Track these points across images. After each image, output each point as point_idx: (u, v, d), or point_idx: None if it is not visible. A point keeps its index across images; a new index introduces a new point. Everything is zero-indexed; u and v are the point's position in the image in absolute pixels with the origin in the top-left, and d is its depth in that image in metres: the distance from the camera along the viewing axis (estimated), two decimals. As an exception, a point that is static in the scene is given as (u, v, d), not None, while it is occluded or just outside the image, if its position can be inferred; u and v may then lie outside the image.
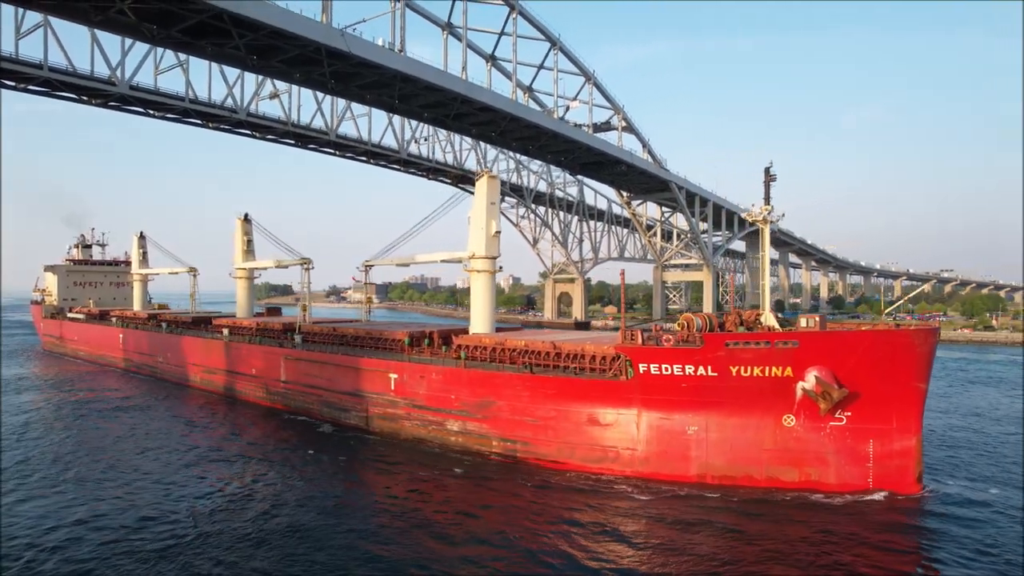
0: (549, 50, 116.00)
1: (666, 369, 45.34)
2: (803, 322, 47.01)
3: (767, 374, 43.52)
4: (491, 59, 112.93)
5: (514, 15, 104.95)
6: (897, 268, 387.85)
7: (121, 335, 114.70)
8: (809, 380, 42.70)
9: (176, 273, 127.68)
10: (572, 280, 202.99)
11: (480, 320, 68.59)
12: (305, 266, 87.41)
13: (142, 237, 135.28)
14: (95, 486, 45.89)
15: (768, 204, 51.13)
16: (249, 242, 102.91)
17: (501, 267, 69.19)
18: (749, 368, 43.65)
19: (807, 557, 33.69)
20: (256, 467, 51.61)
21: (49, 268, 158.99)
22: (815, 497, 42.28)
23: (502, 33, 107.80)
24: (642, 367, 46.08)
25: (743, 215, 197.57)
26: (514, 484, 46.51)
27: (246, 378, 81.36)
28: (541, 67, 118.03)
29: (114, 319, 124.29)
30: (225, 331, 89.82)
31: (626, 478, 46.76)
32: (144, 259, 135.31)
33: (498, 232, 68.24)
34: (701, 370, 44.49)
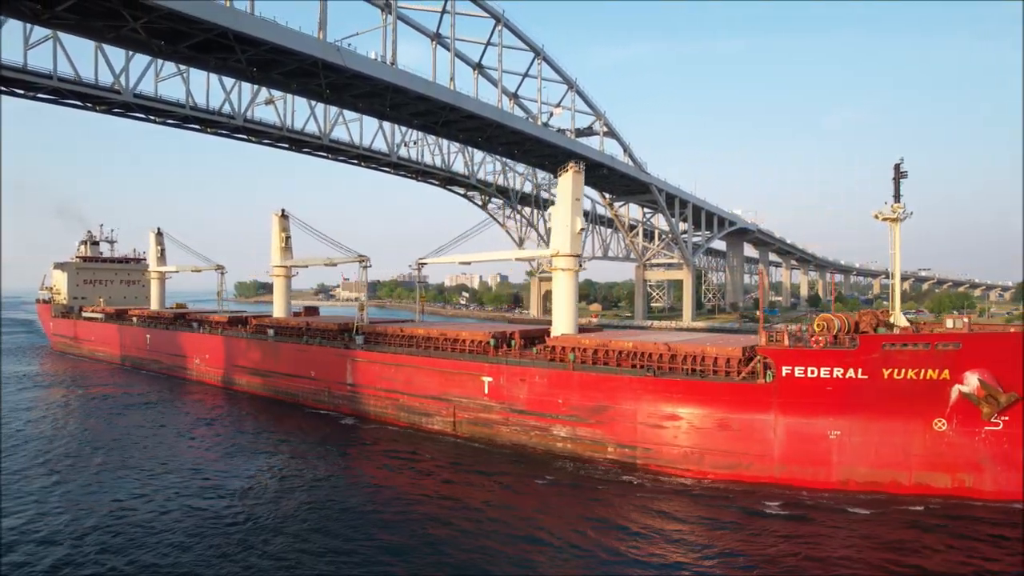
0: (533, 59, 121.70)
1: (812, 372, 44.03)
2: (949, 323, 45.60)
3: (921, 377, 42.26)
4: (478, 67, 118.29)
5: (499, 27, 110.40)
6: (877, 267, 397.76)
7: (148, 335, 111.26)
8: (970, 383, 41.31)
9: (199, 271, 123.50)
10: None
11: (563, 321, 66.05)
12: (363, 263, 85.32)
13: (159, 234, 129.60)
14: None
15: (898, 202, 49.30)
16: (287, 239, 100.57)
17: (583, 265, 67.48)
18: (903, 371, 42.42)
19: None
20: (361, 472, 50.80)
21: (59, 266, 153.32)
22: (974, 504, 41.08)
23: (488, 43, 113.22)
24: (785, 369, 44.73)
25: (725, 215, 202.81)
26: (640, 492, 45.46)
27: (304, 381, 78.37)
28: (526, 75, 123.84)
29: (134, 319, 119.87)
30: (270, 332, 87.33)
31: (761, 484, 45.23)
32: (162, 256, 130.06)
33: (583, 229, 66.01)
34: (851, 372, 43.26)
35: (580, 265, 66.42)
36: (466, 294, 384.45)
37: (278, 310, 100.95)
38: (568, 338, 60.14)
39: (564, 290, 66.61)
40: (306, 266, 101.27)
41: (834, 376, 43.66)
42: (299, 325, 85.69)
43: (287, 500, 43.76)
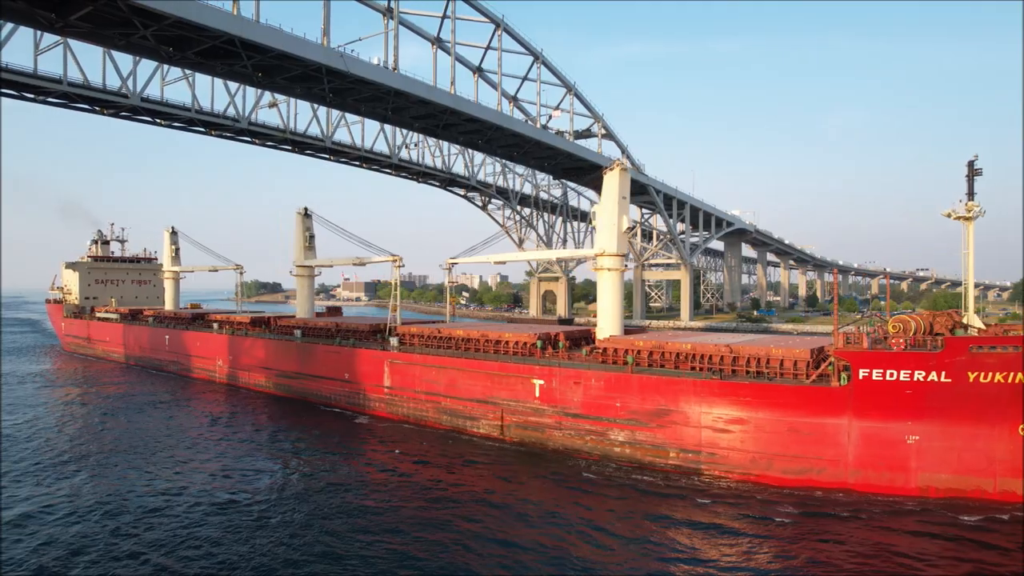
0: (532, 63, 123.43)
1: (891, 375, 42.96)
2: (977, 322, 45.08)
3: (1009, 380, 40.93)
4: (478, 71, 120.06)
5: (499, 32, 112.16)
6: (875, 267, 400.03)
7: (167, 336, 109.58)
8: None
9: (216, 270, 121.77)
10: (556, 279, 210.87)
11: (609, 322, 64.66)
12: (396, 263, 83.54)
13: (174, 233, 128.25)
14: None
15: (972, 200, 47.98)
16: (311, 237, 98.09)
17: (628, 265, 66.36)
18: (990, 374, 41.19)
19: None
20: (404, 478, 49.42)
21: (70, 265, 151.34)
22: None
23: (488, 48, 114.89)
24: (863, 372, 43.66)
25: (723, 216, 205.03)
26: (706, 497, 44.37)
27: (337, 383, 77.05)
28: (525, 79, 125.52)
29: (150, 319, 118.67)
30: (297, 333, 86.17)
31: (833, 490, 44.21)
32: (176, 256, 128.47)
33: (629, 228, 64.46)
34: (933, 375, 42.09)
35: (626, 265, 64.90)
36: (466, 294, 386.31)
37: (301, 311, 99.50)
38: (620, 340, 58.65)
39: (610, 290, 64.94)
40: (331, 266, 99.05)
41: (915, 379, 42.47)
42: (328, 326, 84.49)
43: (337, 500, 43.67)
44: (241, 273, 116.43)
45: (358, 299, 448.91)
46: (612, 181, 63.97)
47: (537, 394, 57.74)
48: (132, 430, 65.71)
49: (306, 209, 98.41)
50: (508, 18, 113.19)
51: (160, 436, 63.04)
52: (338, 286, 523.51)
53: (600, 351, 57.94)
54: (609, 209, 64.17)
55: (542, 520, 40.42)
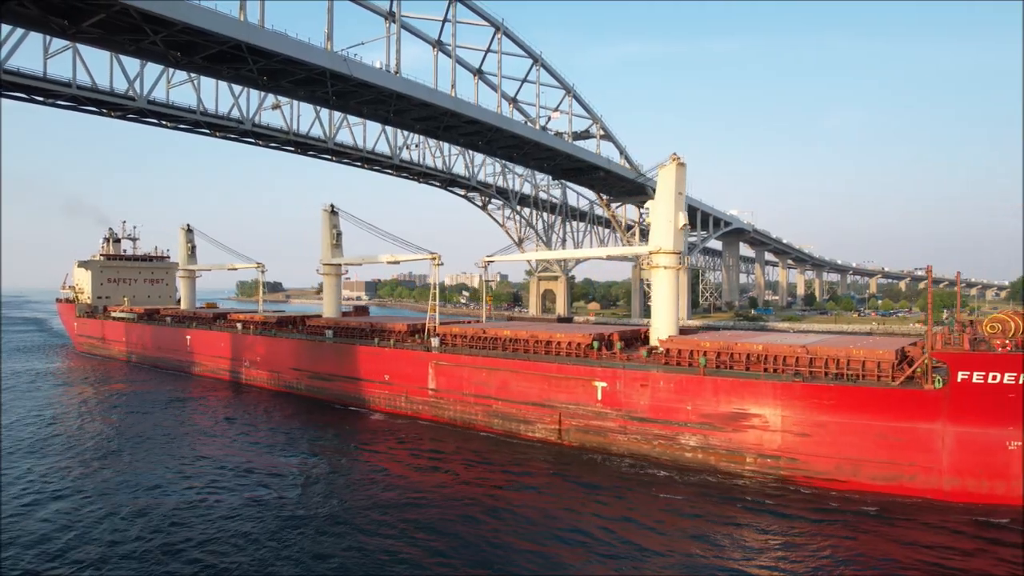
0: (532, 66, 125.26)
1: (994, 377, 40.79)
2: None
3: None
4: (478, 73, 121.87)
5: (499, 35, 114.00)
6: (873, 267, 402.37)
7: (188, 337, 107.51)
8: None
9: (235, 268, 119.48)
10: (556, 278, 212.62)
11: (665, 322, 62.82)
12: (435, 261, 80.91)
13: (189, 230, 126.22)
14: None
15: None
16: (338, 235, 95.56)
17: (684, 263, 64.01)
18: None
19: None
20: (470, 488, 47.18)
21: (82, 264, 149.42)
22: None
23: (488, 50, 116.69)
24: (962, 374, 41.63)
25: (721, 216, 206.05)
26: (788, 505, 42.43)
27: (376, 386, 74.85)
28: (524, 81, 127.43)
29: (168, 319, 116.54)
30: (329, 333, 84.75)
31: (927, 498, 42.43)
32: (192, 254, 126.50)
33: (686, 225, 62.96)
34: None
35: (682, 263, 62.45)
36: (466, 292, 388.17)
37: (329, 310, 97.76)
38: (684, 340, 56.79)
39: (666, 289, 62.84)
40: (360, 264, 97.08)
41: (1020, 382, 40.30)
42: (362, 326, 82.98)
43: (400, 504, 42.90)
44: (263, 272, 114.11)
45: (358, 298, 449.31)
46: (668, 176, 61.98)
47: (599, 397, 55.54)
48: (181, 435, 63.63)
49: (332, 206, 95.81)
50: (506, 21, 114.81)
51: (204, 440, 61.48)
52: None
53: (663, 352, 56.18)
54: (665, 205, 61.96)
55: (614, 525, 39.26)
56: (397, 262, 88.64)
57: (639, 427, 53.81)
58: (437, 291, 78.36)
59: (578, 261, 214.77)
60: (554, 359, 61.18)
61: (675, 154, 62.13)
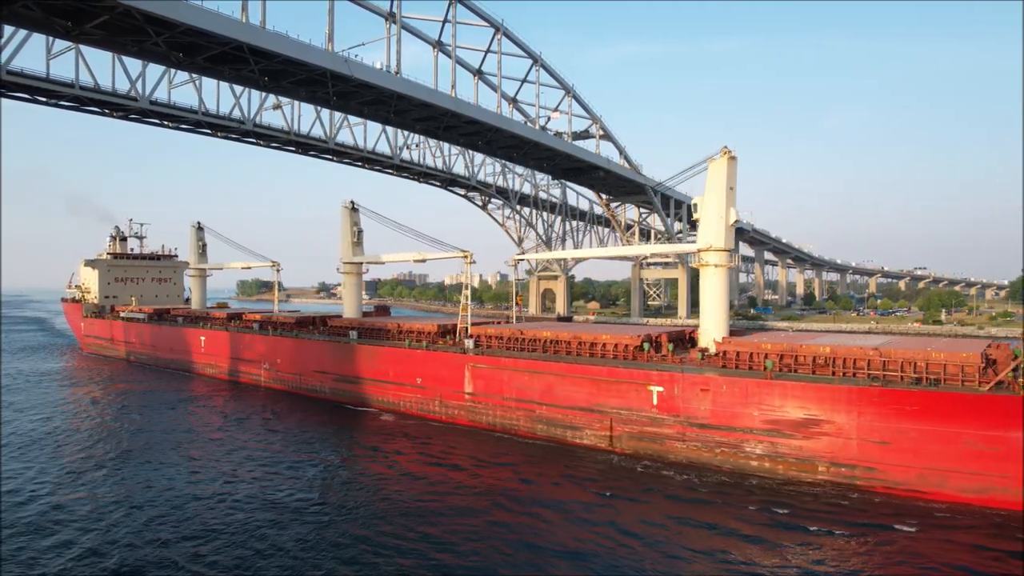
0: (531, 66, 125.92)
1: None
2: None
3: None
4: (478, 74, 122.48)
5: (499, 35, 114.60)
6: (872, 266, 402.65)
7: (203, 337, 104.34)
8: None
9: (249, 267, 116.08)
10: (555, 277, 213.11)
11: (715, 323, 60.33)
12: (468, 259, 79.13)
13: (200, 228, 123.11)
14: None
15: None
16: (359, 232, 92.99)
17: (736, 261, 63.02)
18: None
19: None
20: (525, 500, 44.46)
21: (89, 263, 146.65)
22: None
23: (488, 51, 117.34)
24: None
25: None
26: (871, 517, 40.05)
27: (408, 389, 72.03)
28: (524, 81, 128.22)
29: (180, 319, 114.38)
30: (352, 334, 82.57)
31: (1021, 513, 39.98)
32: (203, 252, 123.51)
33: (737, 221, 60.16)
34: None
35: (733, 260, 61.19)
36: (467, 292, 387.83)
37: (349, 310, 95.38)
38: (744, 342, 54.51)
39: (717, 289, 60.47)
40: (381, 263, 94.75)
41: None
42: (388, 327, 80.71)
43: (456, 514, 41.22)
44: (278, 270, 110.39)
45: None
46: (719, 170, 59.46)
47: (655, 402, 53.01)
48: (219, 441, 61.64)
49: (353, 203, 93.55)
50: (505, 21, 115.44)
51: (229, 447, 59.12)
52: (338, 285, 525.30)
53: (720, 355, 54.07)
54: (715, 200, 59.38)
55: (696, 542, 37.32)
56: (424, 260, 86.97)
57: (699, 434, 51.07)
58: (469, 291, 75.93)
59: (577, 260, 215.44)
60: (603, 362, 58.67)
61: (726, 147, 59.81)
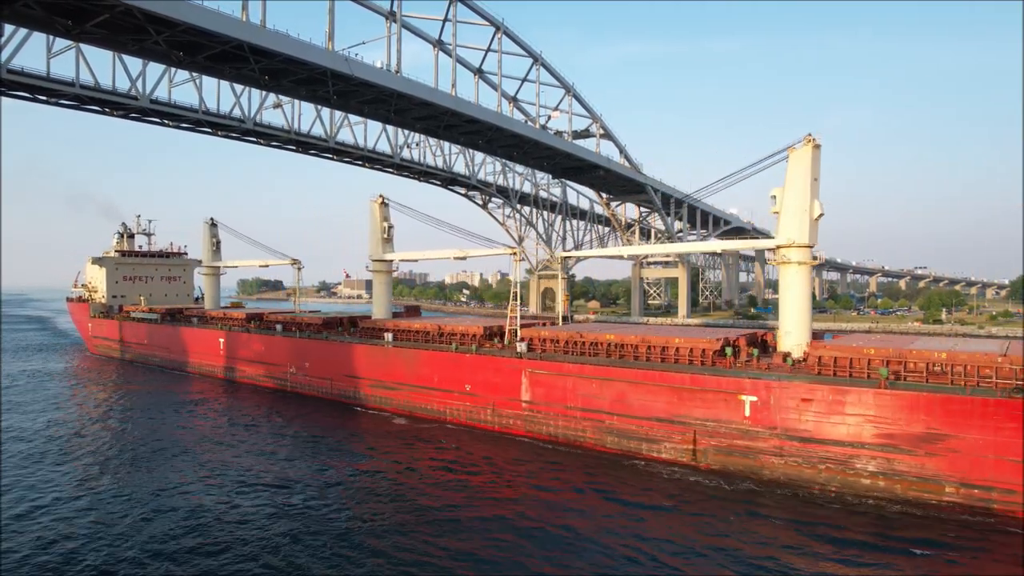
0: (532, 65, 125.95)
1: None
2: None
3: None
4: (479, 73, 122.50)
5: (499, 35, 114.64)
6: (872, 265, 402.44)
7: (221, 340, 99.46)
8: None
9: (267, 265, 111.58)
10: (556, 276, 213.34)
11: (798, 325, 55.47)
12: (515, 256, 75.92)
13: (214, 224, 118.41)
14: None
15: None
16: (389, 228, 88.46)
17: (817, 257, 57.79)
18: None
19: None
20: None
21: (96, 261, 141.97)
22: None
23: (488, 50, 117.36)
24: None
25: (720, 215, 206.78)
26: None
27: (455, 397, 67.23)
28: (524, 80, 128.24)
29: (194, 320, 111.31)
30: (388, 336, 78.03)
31: None
32: (217, 249, 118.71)
33: (821, 215, 54.93)
34: None
35: (815, 258, 55.99)
36: (467, 291, 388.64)
37: (379, 311, 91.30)
38: (841, 347, 50.25)
39: (799, 288, 55.62)
40: (415, 260, 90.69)
41: None
42: (427, 329, 76.44)
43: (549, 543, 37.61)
44: (299, 268, 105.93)
45: (359, 296, 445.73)
46: (802, 160, 54.53)
47: (747, 412, 48.64)
48: (242, 451, 57.68)
49: (383, 197, 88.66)
50: (506, 20, 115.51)
51: (268, 456, 55.73)
52: (339, 283, 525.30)
53: (815, 361, 49.77)
54: (798, 193, 54.50)
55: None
56: (465, 257, 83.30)
57: (800, 448, 46.69)
58: (518, 290, 71.59)
59: (577, 260, 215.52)
60: (685, 368, 54.26)
61: (810, 135, 55.43)
